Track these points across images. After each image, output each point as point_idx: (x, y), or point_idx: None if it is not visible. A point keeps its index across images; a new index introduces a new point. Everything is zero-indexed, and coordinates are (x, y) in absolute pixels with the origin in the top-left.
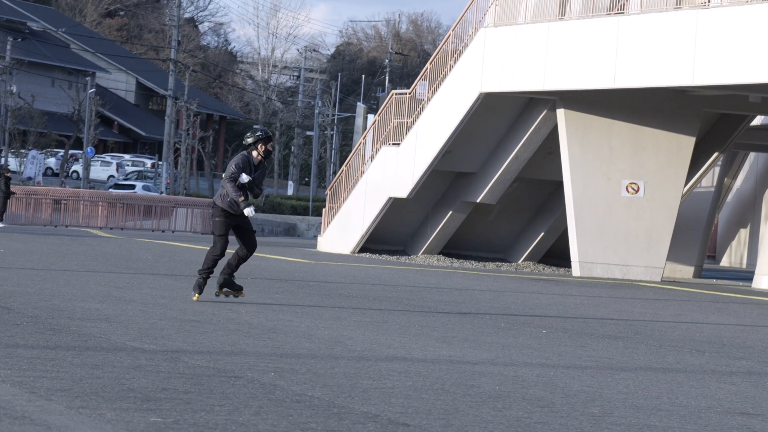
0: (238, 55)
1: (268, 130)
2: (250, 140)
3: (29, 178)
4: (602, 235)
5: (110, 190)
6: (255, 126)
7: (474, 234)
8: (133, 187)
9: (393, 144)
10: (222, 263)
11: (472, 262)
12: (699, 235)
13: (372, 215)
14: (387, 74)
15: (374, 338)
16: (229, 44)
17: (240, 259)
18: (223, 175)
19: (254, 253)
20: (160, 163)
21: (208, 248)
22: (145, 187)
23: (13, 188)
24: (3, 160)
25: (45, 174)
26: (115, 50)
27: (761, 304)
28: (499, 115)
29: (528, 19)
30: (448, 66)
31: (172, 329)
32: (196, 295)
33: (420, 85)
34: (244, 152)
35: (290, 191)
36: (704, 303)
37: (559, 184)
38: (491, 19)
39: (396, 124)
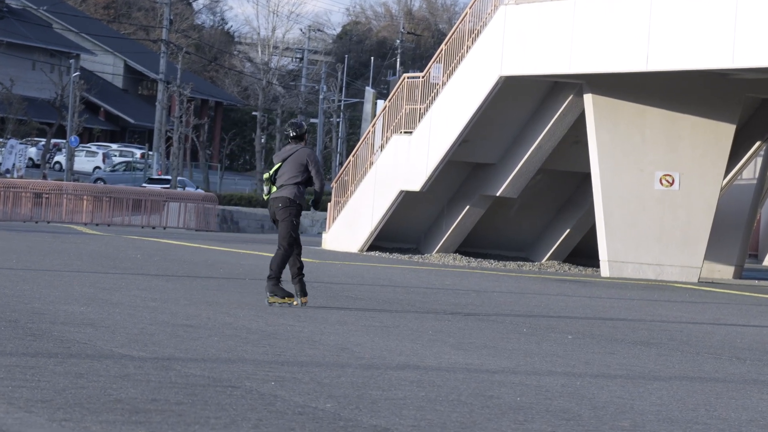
0: (236, 36)
1: (292, 122)
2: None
3: (7, 171)
4: (634, 232)
5: (144, 185)
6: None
7: (493, 231)
8: (167, 181)
9: (405, 132)
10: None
11: (491, 261)
12: (740, 232)
13: (382, 210)
14: (398, 56)
15: (384, 344)
16: (226, 23)
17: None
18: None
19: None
20: (150, 153)
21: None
22: (181, 183)
23: None
24: None
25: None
26: (101, 30)
27: None
28: (521, 101)
29: None
30: (465, 47)
31: (164, 335)
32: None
33: (434, 68)
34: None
35: None
36: (745, 306)
37: (587, 177)
38: None
39: (408, 111)
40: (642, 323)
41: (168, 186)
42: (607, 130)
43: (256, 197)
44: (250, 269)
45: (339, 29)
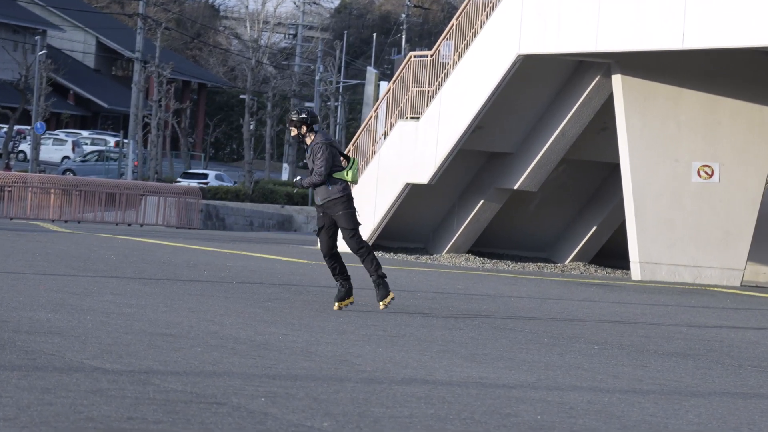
0: (222, 10)
1: (298, 108)
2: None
3: None
4: (668, 230)
5: (181, 181)
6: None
7: (510, 228)
8: (205, 176)
9: (411, 118)
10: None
11: (509, 262)
12: None
13: (385, 205)
14: (403, 32)
15: (388, 356)
16: None
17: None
18: None
19: (365, 254)
20: (125, 141)
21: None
22: (218, 177)
23: None
24: None
25: None
26: (70, 3)
27: None
28: (542, 83)
29: None
30: (479, 22)
31: (141, 345)
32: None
33: (444, 46)
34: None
35: (285, 176)
36: None
37: (616, 168)
38: None
39: (415, 94)
40: (678, 332)
41: (207, 182)
42: (638, 116)
43: (244, 191)
44: (238, 271)
45: (337, 2)
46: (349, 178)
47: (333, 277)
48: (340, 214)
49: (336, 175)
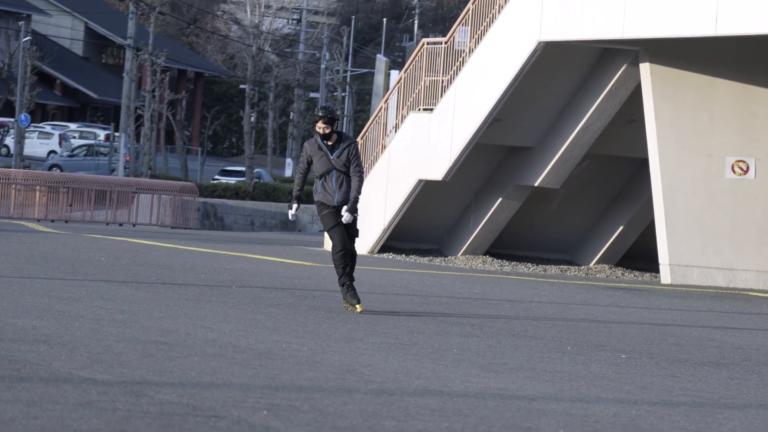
0: None
1: (331, 106)
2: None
3: None
4: (700, 230)
5: (219, 179)
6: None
7: (531, 228)
8: (242, 174)
9: (424, 109)
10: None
11: (529, 265)
12: None
13: (396, 203)
14: (416, 17)
15: (399, 365)
16: None
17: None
18: None
19: (353, 256)
20: (116, 134)
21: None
22: (257, 174)
23: None
24: None
25: None
26: None
27: None
28: (564, 72)
29: None
30: (497, 6)
31: (133, 354)
32: (355, 306)
33: (459, 32)
34: (315, 136)
35: (288, 172)
36: None
37: (644, 163)
38: None
39: (428, 84)
40: (711, 340)
41: (244, 179)
42: (668, 107)
43: (244, 188)
44: (238, 275)
45: None
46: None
47: (340, 278)
48: (356, 216)
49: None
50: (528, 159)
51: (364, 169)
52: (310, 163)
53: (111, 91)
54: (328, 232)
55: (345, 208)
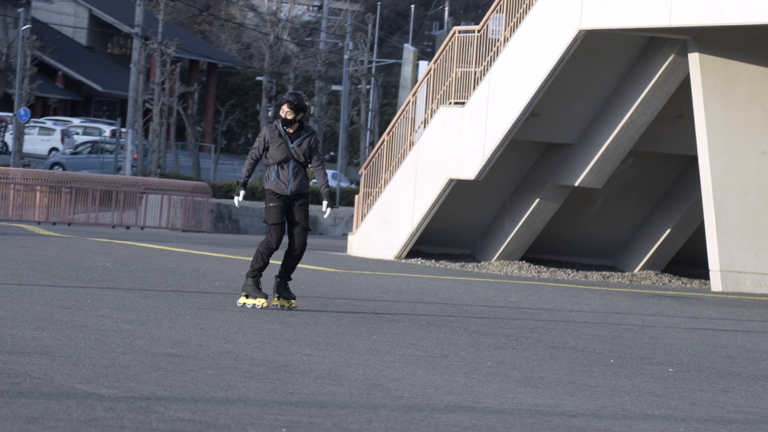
0: None
1: (302, 94)
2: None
3: None
4: (754, 234)
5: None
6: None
7: (570, 232)
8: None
9: (455, 103)
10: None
11: (569, 271)
12: None
13: (425, 205)
14: (446, 4)
15: (429, 379)
16: None
17: (284, 260)
18: None
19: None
20: (123, 130)
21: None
22: (334, 176)
23: None
24: None
25: None
26: None
27: None
28: (606, 63)
29: None
30: None
31: (142, 367)
32: (260, 299)
33: (493, 20)
34: (275, 121)
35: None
36: None
37: (692, 161)
38: None
39: (460, 75)
40: (765, 352)
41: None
42: (719, 101)
43: (260, 188)
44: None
45: None
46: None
47: (254, 270)
48: (306, 210)
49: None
50: (567, 157)
51: (391, 167)
52: (265, 150)
53: (117, 84)
54: (270, 225)
55: (326, 203)
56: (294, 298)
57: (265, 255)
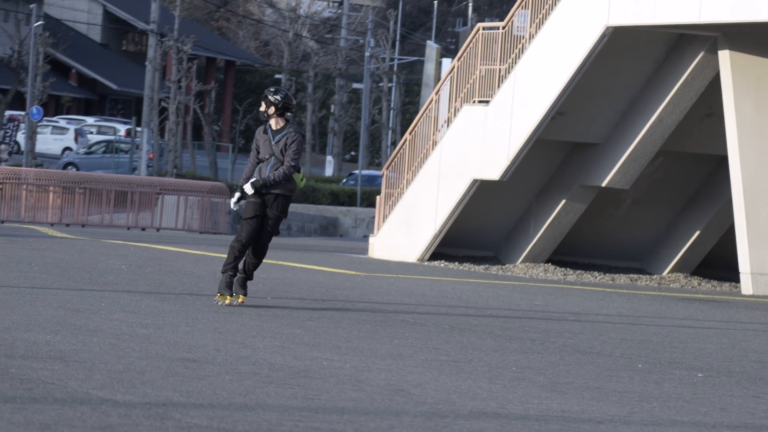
0: None
1: (289, 93)
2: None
3: None
4: None
5: (346, 182)
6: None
7: (597, 234)
8: (375, 179)
9: (479, 102)
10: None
11: (596, 273)
12: None
13: (449, 206)
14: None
15: (452, 385)
16: None
17: (247, 260)
18: None
19: (263, 261)
20: (138, 129)
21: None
22: (368, 179)
23: None
24: None
25: None
26: None
27: None
28: (634, 60)
29: None
30: None
31: (158, 372)
32: (226, 297)
33: (518, 16)
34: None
35: (329, 171)
36: None
37: (723, 161)
38: None
39: (484, 73)
40: None
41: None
42: (750, 99)
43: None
44: (273, 285)
45: None
46: (300, 183)
47: (227, 264)
48: (278, 215)
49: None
50: (594, 156)
51: (414, 167)
52: (257, 149)
53: (132, 82)
54: (244, 220)
55: (252, 180)
56: (243, 295)
57: (235, 249)
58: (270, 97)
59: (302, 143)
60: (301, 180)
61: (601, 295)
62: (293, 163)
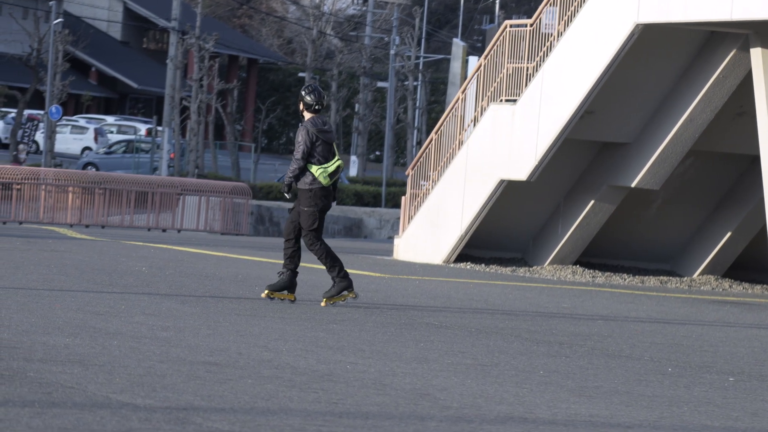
0: None
1: (313, 84)
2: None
3: None
4: None
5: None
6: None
7: (627, 235)
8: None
9: (507, 100)
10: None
11: (625, 276)
12: None
13: (475, 207)
14: None
15: (478, 389)
16: None
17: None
18: None
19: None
20: (159, 129)
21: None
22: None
23: None
24: None
25: None
26: None
27: None
28: (665, 58)
29: None
30: None
31: (179, 376)
32: (351, 292)
33: (546, 13)
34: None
35: (353, 171)
36: None
37: (755, 161)
38: None
39: (511, 71)
40: None
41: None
42: None
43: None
44: (297, 287)
45: None
46: (316, 173)
47: (331, 268)
48: (303, 209)
49: (310, 166)
50: (624, 156)
51: (440, 167)
52: None
53: (153, 80)
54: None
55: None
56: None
57: (285, 245)
58: (303, 93)
59: (305, 135)
60: (318, 170)
61: (631, 297)
62: (297, 156)
